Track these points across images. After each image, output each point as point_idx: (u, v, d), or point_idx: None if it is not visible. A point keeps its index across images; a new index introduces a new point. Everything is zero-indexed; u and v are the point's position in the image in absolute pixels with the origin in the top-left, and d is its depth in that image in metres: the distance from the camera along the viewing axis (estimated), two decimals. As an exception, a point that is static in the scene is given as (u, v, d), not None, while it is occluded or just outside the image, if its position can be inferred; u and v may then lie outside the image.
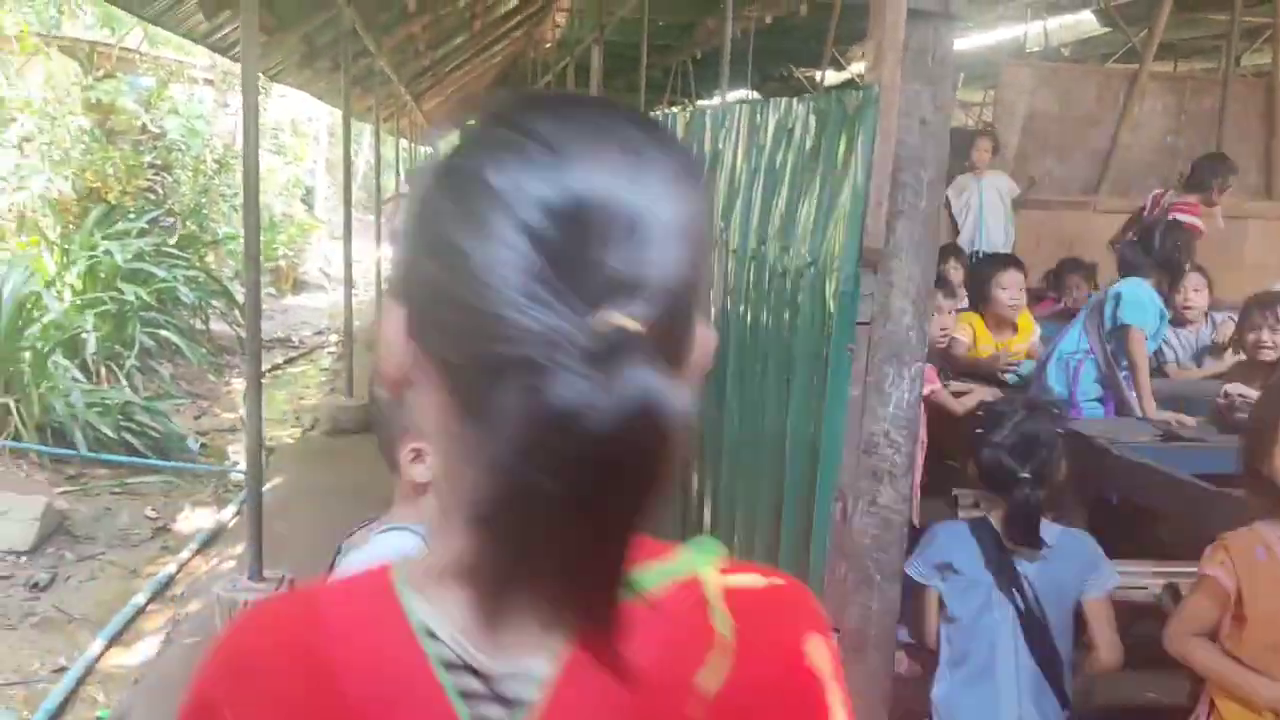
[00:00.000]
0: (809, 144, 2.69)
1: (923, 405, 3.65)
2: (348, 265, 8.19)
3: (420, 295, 0.72)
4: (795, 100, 2.84)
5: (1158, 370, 4.85)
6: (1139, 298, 4.23)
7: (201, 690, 0.80)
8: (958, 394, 4.21)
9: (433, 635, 0.74)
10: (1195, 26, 11.21)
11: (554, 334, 0.64)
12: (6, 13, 8.91)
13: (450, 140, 0.75)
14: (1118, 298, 4.27)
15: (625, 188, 0.69)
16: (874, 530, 2.43)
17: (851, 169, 2.35)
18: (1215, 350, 5.10)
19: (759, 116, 3.12)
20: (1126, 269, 4.43)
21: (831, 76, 14.93)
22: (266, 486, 4.82)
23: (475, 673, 0.73)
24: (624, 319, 0.66)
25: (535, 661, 0.73)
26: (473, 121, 0.75)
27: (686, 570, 0.78)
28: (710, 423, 3.41)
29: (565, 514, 0.65)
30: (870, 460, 2.40)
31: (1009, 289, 4.62)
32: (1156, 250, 4.37)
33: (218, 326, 9.71)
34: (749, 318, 3.13)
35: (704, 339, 0.77)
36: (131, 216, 8.95)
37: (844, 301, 2.36)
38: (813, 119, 2.66)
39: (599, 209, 0.68)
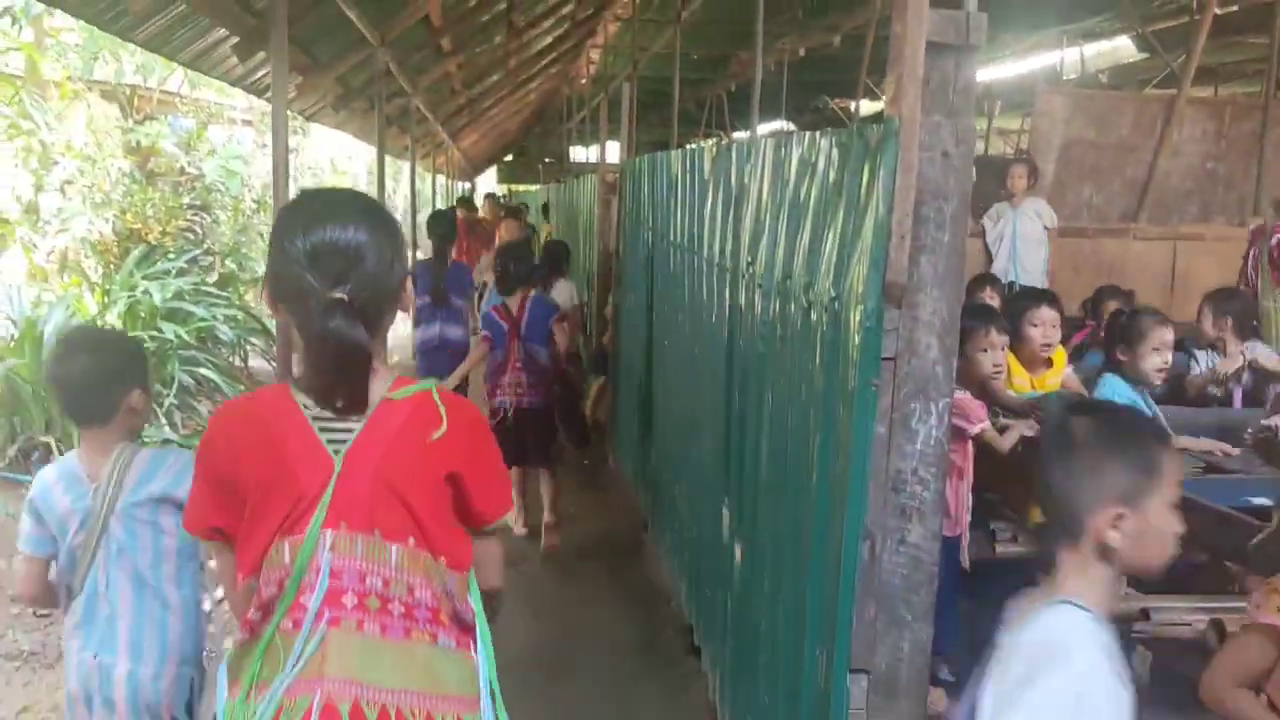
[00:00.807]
0: (831, 177, 2.65)
1: (969, 443, 3.63)
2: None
3: (272, 284, 1.78)
4: (818, 134, 2.81)
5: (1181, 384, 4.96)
6: (1103, 392, 4.13)
7: (207, 435, 1.81)
8: (999, 430, 4.14)
9: (306, 407, 1.76)
10: (1235, 50, 11.11)
11: (314, 295, 1.68)
12: (48, 59, 9.08)
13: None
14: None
15: (341, 235, 1.71)
16: (903, 570, 2.37)
17: (873, 202, 2.31)
18: (1217, 380, 5.02)
19: (783, 151, 3.09)
20: (1105, 366, 4.33)
21: (866, 107, 14.91)
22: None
23: (327, 420, 1.76)
24: (339, 293, 1.68)
25: (359, 420, 1.77)
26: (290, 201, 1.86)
27: (423, 389, 1.81)
28: (736, 459, 3.37)
29: (324, 365, 1.71)
30: (898, 498, 2.35)
31: (1041, 326, 4.48)
32: (1107, 343, 4.33)
33: (256, 364, 9.76)
34: (774, 351, 3.09)
35: (401, 298, 1.80)
36: (171, 256, 9.03)
37: (867, 336, 2.32)
38: (835, 152, 2.63)
39: (327, 244, 1.70)
